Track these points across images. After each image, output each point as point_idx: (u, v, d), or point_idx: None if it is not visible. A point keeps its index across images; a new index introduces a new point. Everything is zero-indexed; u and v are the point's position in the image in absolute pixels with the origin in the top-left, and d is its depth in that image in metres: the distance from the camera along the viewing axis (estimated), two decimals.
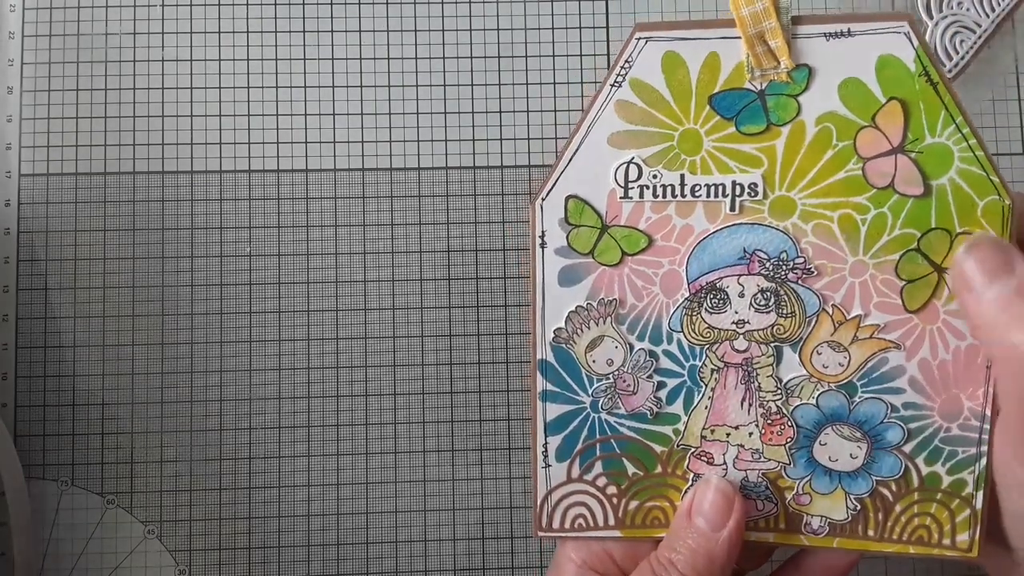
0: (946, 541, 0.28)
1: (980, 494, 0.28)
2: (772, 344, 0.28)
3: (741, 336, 0.28)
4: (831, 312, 0.27)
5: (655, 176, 0.28)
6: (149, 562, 0.34)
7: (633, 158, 0.28)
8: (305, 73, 0.36)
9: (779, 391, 0.28)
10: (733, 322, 0.28)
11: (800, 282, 0.27)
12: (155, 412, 0.34)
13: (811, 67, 0.27)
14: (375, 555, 0.34)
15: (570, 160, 0.28)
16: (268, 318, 0.35)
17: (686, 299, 0.28)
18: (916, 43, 0.27)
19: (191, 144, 0.35)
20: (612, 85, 0.28)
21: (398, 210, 0.35)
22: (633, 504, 0.29)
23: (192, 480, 0.34)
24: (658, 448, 0.28)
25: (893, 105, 0.27)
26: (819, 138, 0.27)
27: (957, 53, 0.36)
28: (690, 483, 0.28)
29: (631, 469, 0.29)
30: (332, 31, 0.36)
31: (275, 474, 0.34)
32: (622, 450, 0.29)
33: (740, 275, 0.28)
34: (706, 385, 0.28)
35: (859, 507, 0.28)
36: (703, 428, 0.28)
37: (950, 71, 0.36)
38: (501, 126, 0.36)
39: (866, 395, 0.28)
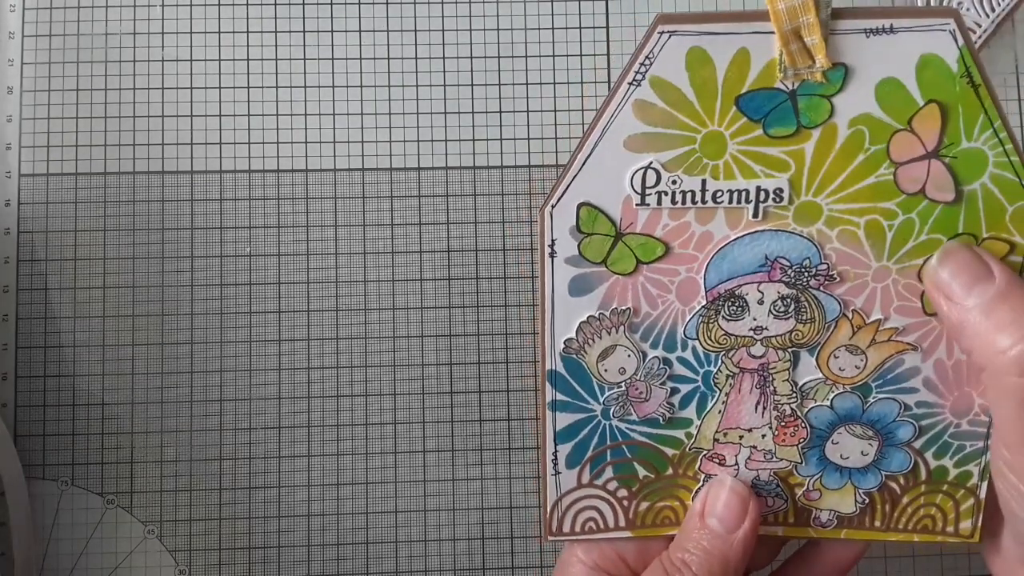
0: (949, 528, 0.28)
1: (984, 484, 0.27)
2: (789, 349, 0.27)
3: (758, 342, 0.27)
4: (851, 317, 0.26)
5: (674, 182, 0.26)
6: (149, 562, 0.34)
7: (651, 163, 0.26)
8: (305, 73, 0.36)
9: (794, 394, 0.27)
10: (751, 328, 0.27)
11: (822, 288, 0.26)
12: (155, 412, 0.34)
13: (848, 66, 0.25)
14: (375, 555, 0.34)
15: (583, 165, 0.26)
16: (268, 318, 0.35)
17: (703, 307, 0.27)
18: (961, 42, 0.25)
19: (191, 144, 0.35)
20: (630, 83, 0.25)
21: (398, 210, 0.35)
22: (644, 505, 0.28)
23: (192, 480, 0.34)
24: (670, 451, 0.28)
25: (931, 108, 0.25)
26: (851, 141, 0.26)
27: None
28: (701, 483, 0.28)
29: (642, 472, 0.28)
30: (332, 31, 0.36)
31: (275, 474, 0.34)
32: (633, 454, 0.28)
33: (760, 282, 0.26)
34: (720, 390, 0.27)
35: (867, 500, 0.28)
36: (716, 431, 0.28)
37: None
38: (501, 126, 0.36)
39: (880, 395, 0.27)
